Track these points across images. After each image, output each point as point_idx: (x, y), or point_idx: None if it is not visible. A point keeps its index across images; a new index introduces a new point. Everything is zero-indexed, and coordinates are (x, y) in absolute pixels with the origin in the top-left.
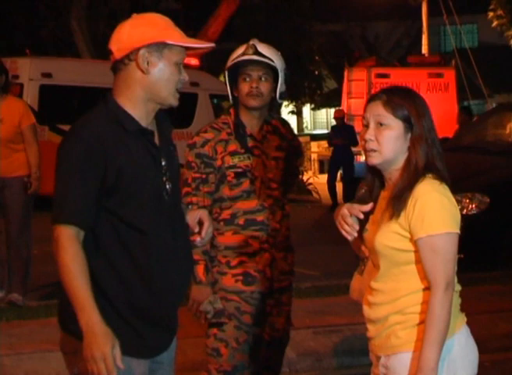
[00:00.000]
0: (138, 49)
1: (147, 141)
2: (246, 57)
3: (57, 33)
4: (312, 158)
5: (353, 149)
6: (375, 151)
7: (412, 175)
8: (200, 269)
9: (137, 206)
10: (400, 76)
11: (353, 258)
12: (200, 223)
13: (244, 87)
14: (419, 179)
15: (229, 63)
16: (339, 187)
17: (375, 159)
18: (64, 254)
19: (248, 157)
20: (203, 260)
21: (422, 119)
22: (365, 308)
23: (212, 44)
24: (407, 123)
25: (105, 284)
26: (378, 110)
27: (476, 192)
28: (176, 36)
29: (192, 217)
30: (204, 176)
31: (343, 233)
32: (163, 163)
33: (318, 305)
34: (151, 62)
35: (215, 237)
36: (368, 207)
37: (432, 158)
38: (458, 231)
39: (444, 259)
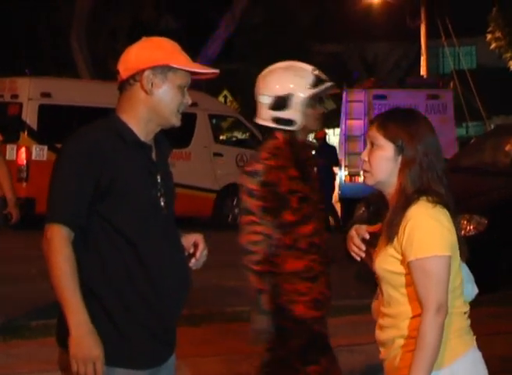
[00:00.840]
0: (143, 70)
1: (145, 155)
2: (330, 83)
3: (57, 53)
4: None
5: (351, 170)
6: (367, 171)
7: (403, 198)
8: (266, 299)
9: (131, 215)
10: (398, 98)
11: (352, 279)
12: (195, 246)
13: (320, 111)
14: (412, 202)
15: (317, 89)
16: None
17: (369, 180)
18: (57, 255)
19: (307, 181)
20: (268, 289)
21: (416, 143)
22: (377, 331)
23: (216, 71)
24: (398, 145)
25: (100, 291)
26: (373, 132)
27: (474, 213)
28: (181, 60)
29: (187, 240)
30: (267, 204)
31: (352, 254)
32: (158, 179)
33: None
34: (155, 83)
35: (278, 264)
36: (373, 228)
37: (428, 181)
38: (449, 254)
39: (435, 282)
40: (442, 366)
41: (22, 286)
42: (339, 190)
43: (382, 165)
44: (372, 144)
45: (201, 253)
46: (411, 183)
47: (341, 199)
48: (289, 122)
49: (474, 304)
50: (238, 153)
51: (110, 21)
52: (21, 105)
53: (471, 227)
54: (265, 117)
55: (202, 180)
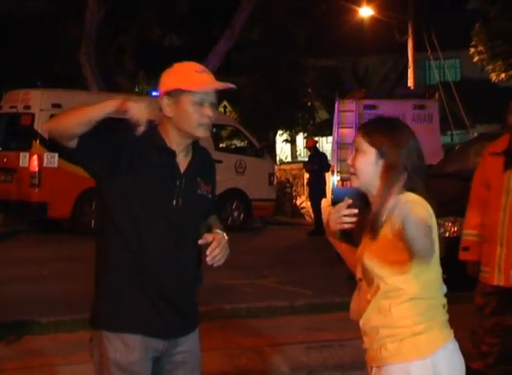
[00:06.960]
0: (162, 95)
1: (169, 159)
2: None
3: (67, 67)
4: (305, 184)
5: (343, 175)
6: (353, 174)
7: (384, 198)
8: None
9: (130, 204)
10: (387, 108)
11: (342, 278)
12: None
13: None
14: (393, 198)
15: None
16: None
17: (354, 182)
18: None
19: None
20: None
21: (398, 149)
22: (361, 321)
23: (229, 85)
24: (380, 151)
25: (100, 271)
26: (358, 138)
27: (458, 216)
28: (192, 82)
29: (207, 237)
30: None
31: (338, 225)
32: (178, 183)
33: (310, 321)
34: (170, 105)
35: None
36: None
37: (411, 183)
38: (430, 224)
39: (424, 231)
40: (424, 355)
41: (34, 286)
42: (332, 194)
43: (366, 168)
44: (357, 150)
45: (211, 250)
46: (390, 186)
47: (334, 203)
48: None
49: (456, 300)
50: (237, 160)
51: (117, 39)
52: (33, 115)
53: (456, 229)
54: None
55: None
